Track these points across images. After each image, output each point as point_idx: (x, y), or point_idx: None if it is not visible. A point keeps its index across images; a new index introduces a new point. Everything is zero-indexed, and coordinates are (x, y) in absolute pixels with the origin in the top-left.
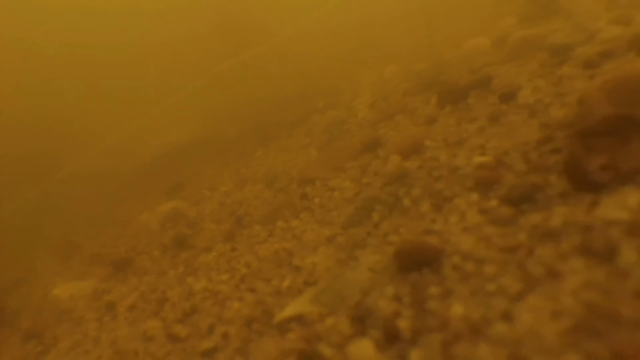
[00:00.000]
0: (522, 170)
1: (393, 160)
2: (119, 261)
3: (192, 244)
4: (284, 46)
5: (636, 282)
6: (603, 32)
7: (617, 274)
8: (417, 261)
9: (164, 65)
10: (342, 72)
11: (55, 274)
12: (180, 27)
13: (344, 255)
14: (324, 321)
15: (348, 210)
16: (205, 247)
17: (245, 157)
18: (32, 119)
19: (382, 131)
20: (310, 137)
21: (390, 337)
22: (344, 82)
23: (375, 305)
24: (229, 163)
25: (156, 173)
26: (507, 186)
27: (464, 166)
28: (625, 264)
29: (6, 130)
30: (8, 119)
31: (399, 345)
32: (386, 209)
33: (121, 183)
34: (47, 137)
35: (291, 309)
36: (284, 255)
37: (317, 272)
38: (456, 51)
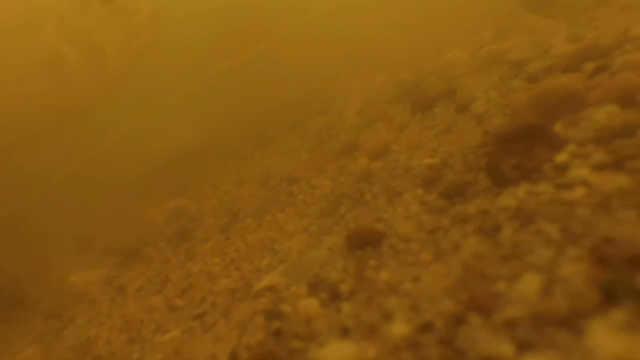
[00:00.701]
0: (460, 170)
1: (362, 162)
2: (128, 252)
3: (193, 235)
4: (276, 50)
5: (504, 251)
6: (555, 48)
7: (494, 246)
8: (363, 242)
9: (160, 66)
10: (335, 79)
11: (70, 265)
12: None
13: (313, 240)
14: (289, 289)
15: (322, 205)
16: (204, 238)
17: (244, 159)
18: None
19: (363, 136)
20: (303, 141)
21: (333, 297)
22: (336, 89)
23: (327, 275)
24: (230, 165)
25: (165, 173)
26: (446, 183)
27: (416, 167)
28: (502, 238)
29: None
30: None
31: (337, 302)
32: (351, 203)
33: (132, 182)
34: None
35: (265, 281)
36: (267, 242)
37: (290, 254)
38: (437, 62)
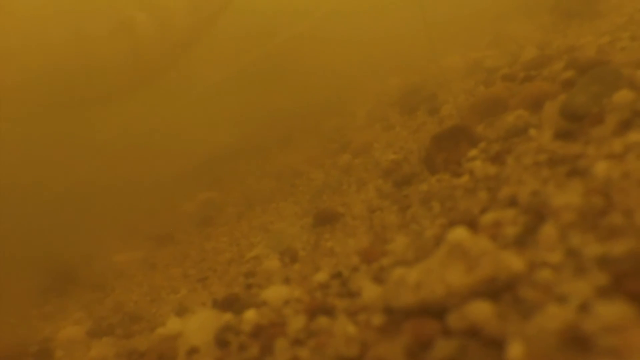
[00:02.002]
0: (414, 163)
1: (345, 158)
2: (163, 237)
3: (215, 222)
4: (303, 52)
5: (404, 222)
6: (523, 56)
7: (401, 218)
8: (324, 220)
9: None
10: (354, 81)
11: (116, 249)
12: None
13: (296, 221)
14: (267, 256)
15: (312, 194)
16: (222, 223)
17: (270, 156)
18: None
19: (360, 136)
20: (317, 140)
21: (292, 260)
22: (355, 90)
23: (293, 246)
24: (258, 162)
25: (201, 171)
26: (400, 174)
27: (384, 161)
28: (408, 214)
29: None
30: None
31: (293, 263)
32: (331, 192)
33: (173, 178)
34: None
35: (253, 252)
36: (266, 224)
37: (277, 232)
38: (437, 67)
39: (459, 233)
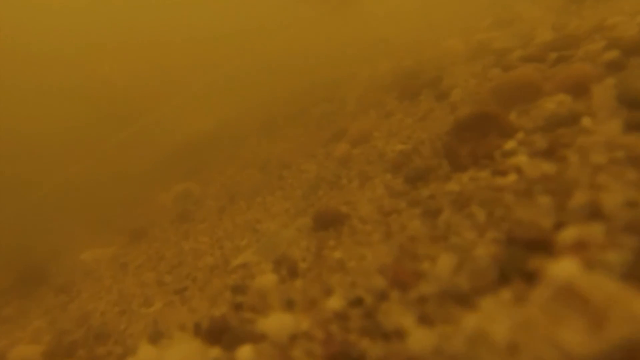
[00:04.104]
0: (427, 156)
1: (343, 148)
2: (136, 232)
3: (193, 217)
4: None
5: (437, 233)
6: (537, 37)
7: (431, 228)
8: (327, 223)
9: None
10: (342, 65)
11: (85, 244)
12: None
13: (289, 220)
14: (259, 266)
15: (305, 188)
16: (202, 219)
17: (253, 145)
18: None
19: (355, 123)
20: (305, 128)
21: (291, 274)
22: (342, 76)
23: (291, 254)
24: (239, 150)
25: (180, 159)
26: (412, 168)
27: (389, 152)
28: (440, 221)
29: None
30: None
31: (293, 278)
32: (328, 187)
33: (149, 168)
34: (78, 122)
35: (240, 259)
36: (252, 223)
37: (267, 234)
38: (434, 51)
39: (566, 268)
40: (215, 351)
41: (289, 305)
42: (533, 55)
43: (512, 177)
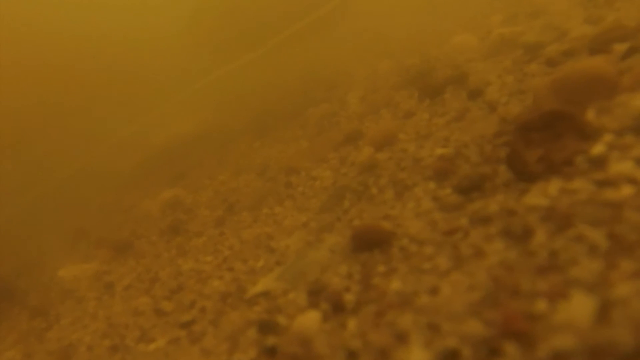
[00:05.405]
0: (477, 162)
1: (366, 152)
2: (120, 245)
3: (186, 229)
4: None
5: (539, 261)
6: (573, 31)
7: (526, 254)
8: (370, 243)
9: (174, 60)
10: (340, 65)
11: (62, 257)
12: (188, 21)
13: (313, 238)
14: (286, 295)
15: (323, 198)
16: (197, 231)
17: (244, 148)
18: (48, 111)
19: (367, 124)
20: (304, 129)
21: (336, 309)
22: (341, 75)
23: (329, 281)
24: (230, 153)
25: (163, 163)
26: (461, 176)
27: (427, 157)
28: (535, 245)
29: (19, 120)
30: (22, 108)
31: (341, 316)
32: (355, 197)
33: (130, 173)
34: (60, 129)
35: (260, 286)
36: (263, 239)
37: (287, 253)
38: (444, 47)
39: None
40: None
41: (350, 357)
42: (576, 49)
43: (627, 190)
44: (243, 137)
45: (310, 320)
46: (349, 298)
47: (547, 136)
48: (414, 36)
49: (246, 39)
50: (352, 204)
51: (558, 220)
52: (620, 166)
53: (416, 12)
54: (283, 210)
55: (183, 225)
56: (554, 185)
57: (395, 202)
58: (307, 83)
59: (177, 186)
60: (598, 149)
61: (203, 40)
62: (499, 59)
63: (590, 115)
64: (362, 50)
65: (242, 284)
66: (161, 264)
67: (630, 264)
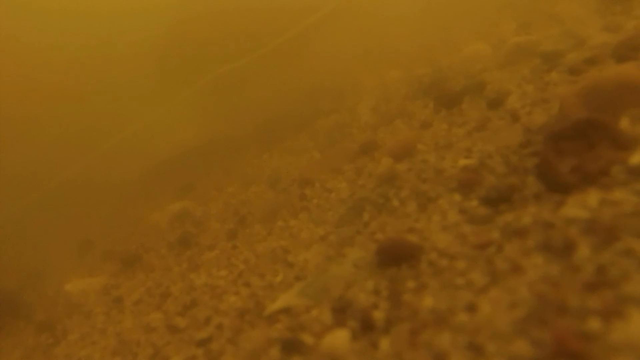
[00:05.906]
0: (503, 172)
1: (385, 163)
2: (128, 258)
3: (197, 242)
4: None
5: (585, 276)
6: (593, 38)
7: (570, 268)
8: (396, 257)
9: (168, 64)
10: (346, 75)
11: (68, 270)
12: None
13: (333, 252)
14: (309, 312)
15: (341, 210)
16: (209, 245)
17: (251, 159)
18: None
19: (381, 135)
20: (314, 140)
21: (366, 327)
22: (348, 85)
23: (355, 298)
24: (237, 165)
25: (169, 173)
26: (487, 187)
27: (450, 168)
28: (579, 259)
29: (21, 125)
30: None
31: (372, 335)
32: (376, 209)
33: (134, 182)
34: (58, 135)
35: (280, 302)
36: (280, 253)
37: (307, 268)
38: (456, 56)
39: None
40: None
41: None
42: (599, 57)
43: None
44: (248, 148)
45: (339, 339)
46: (379, 315)
47: (580, 145)
48: (422, 45)
49: (241, 45)
50: (372, 216)
51: (602, 233)
52: None
53: (420, 23)
54: (298, 223)
55: (193, 238)
56: (593, 197)
57: (419, 214)
58: (313, 92)
59: (185, 198)
60: (637, 158)
61: (192, 45)
62: (516, 68)
63: (625, 123)
64: (369, 59)
65: (261, 299)
66: (172, 278)
67: None
